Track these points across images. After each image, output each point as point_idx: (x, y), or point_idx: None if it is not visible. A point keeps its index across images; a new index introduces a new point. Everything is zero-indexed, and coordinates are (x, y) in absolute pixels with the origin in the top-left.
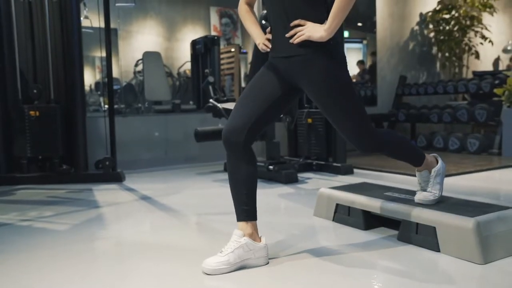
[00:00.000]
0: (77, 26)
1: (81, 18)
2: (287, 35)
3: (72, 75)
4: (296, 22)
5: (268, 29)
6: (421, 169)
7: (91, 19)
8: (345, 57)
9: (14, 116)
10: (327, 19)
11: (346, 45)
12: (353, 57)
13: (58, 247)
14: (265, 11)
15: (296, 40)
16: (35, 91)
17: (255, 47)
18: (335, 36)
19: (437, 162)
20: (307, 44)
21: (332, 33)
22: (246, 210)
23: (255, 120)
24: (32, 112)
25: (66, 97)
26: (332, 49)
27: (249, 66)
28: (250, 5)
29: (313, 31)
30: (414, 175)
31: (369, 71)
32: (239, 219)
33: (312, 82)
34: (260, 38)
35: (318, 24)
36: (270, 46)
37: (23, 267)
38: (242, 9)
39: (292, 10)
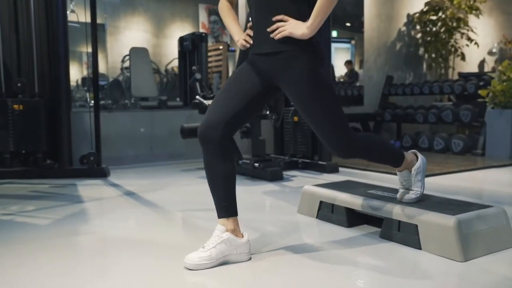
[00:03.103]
0: (63, 19)
1: (67, 12)
2: (269, 29)
3: (57, 69)
4: (279, 17)
5: (249, 25)
6: (402, 169)
7: (78, 14)
8: (325, 55)
9: None
10: (309, 16)
11: (334, 45)
12: (341, 57)
13: (40, 241)
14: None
15: (277, 35)
16: (19, 84)
17: None
18: (316, 34)
19: (417, 159)
20: (290, 41)
21: (314, 31)
22: (225, 207)
23: (233, 116)
24: (15, 106)
25: (51, 91)
26: (314, 47)
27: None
28: (231, 2)
29: (295, 28)
30: None
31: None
32: (220, 215)
33: (293, 81)
34: (239, 35)
35: (301, 22)
36: (251, 42)
37: (2, 262)
38: (223, 5)
39: (275, 4)
